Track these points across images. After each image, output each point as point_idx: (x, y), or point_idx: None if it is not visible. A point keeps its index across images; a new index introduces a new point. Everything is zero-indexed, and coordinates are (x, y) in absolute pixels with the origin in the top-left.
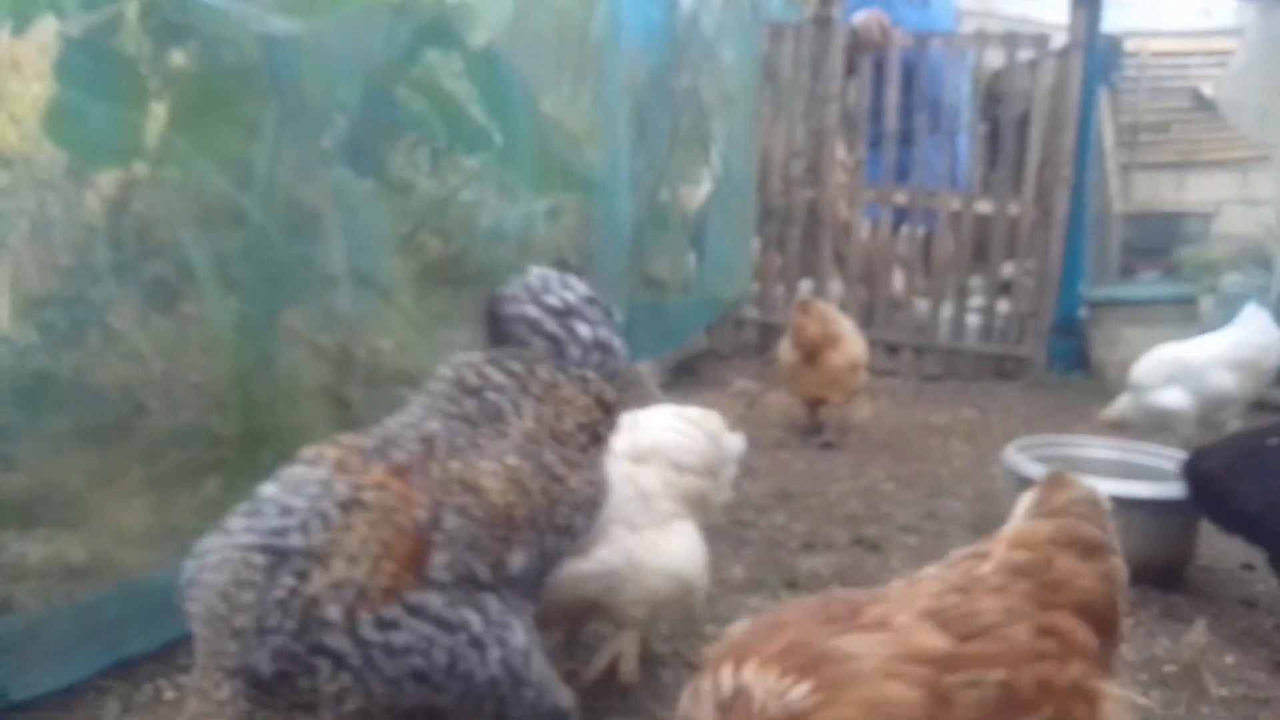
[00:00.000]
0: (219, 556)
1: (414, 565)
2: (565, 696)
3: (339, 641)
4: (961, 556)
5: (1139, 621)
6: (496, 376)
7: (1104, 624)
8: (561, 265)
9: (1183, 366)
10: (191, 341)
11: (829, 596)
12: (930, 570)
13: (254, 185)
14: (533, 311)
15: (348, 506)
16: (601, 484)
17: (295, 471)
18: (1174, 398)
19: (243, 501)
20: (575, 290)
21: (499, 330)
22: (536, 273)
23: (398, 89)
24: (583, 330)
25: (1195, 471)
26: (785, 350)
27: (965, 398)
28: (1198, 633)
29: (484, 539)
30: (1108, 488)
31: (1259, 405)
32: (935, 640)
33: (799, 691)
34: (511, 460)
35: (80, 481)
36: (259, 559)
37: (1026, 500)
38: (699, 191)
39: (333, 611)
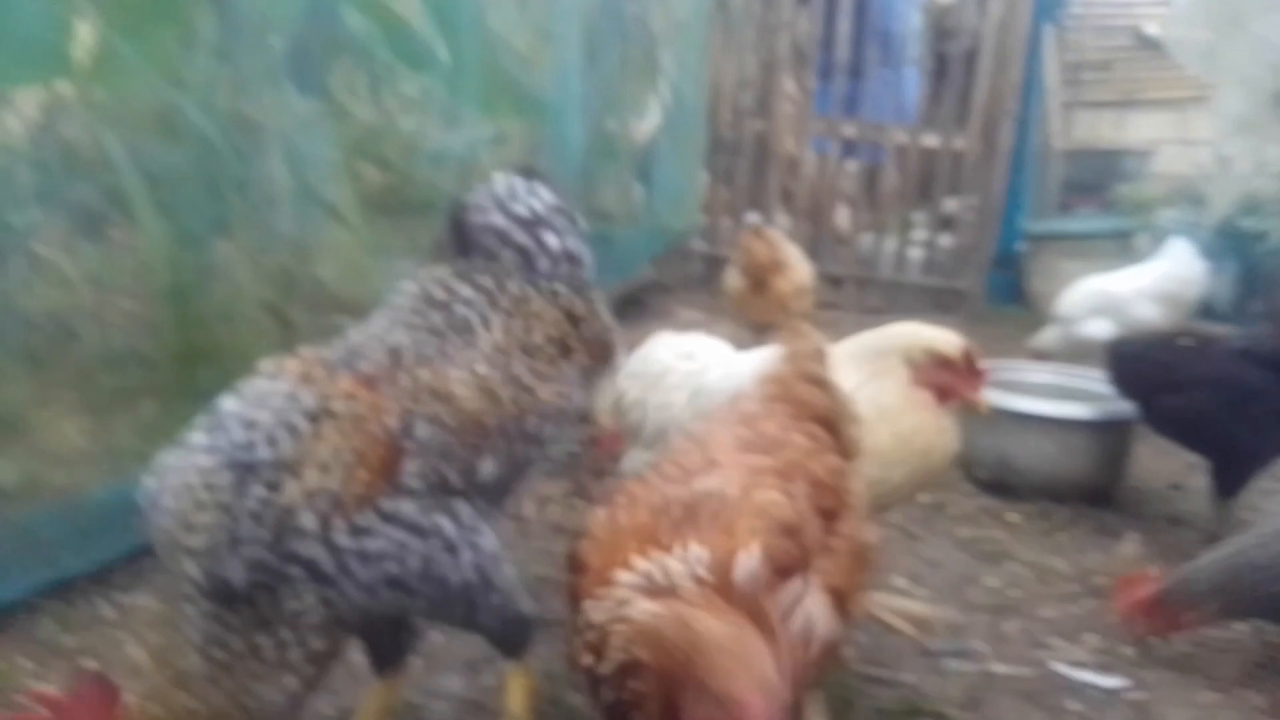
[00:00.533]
0: (180, 480)
1: (387, 472)
2: (528, 604)
3: (313, 549)
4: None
5: (1072, 537)
6: (465, 291)
7: (834, 427)
8: (527, 172)
9: (1108, 298)
10: (122, 267)
11: (652, 470)
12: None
13: (193, 99)
14: (500, 221)
15: (316, 417)
16: (571, 396)
17: (256, 385)
18: (1099, 328)
19: (199, 416)
20: (543, 198)
21: (465, 240)
22: (502, 180)
23: (341, 3)
24: (551, 241)
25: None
26: (733, 277)
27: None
28: (1128, 546)
29: (456, 446)
30: (1044, 409)
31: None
32: (758, 460)
33: (696, 554)
34: (481, 369)
35: (12, 404)
36: (224, 477)
37: (772, 353)
38: (647, 121)
39: (308, 520)
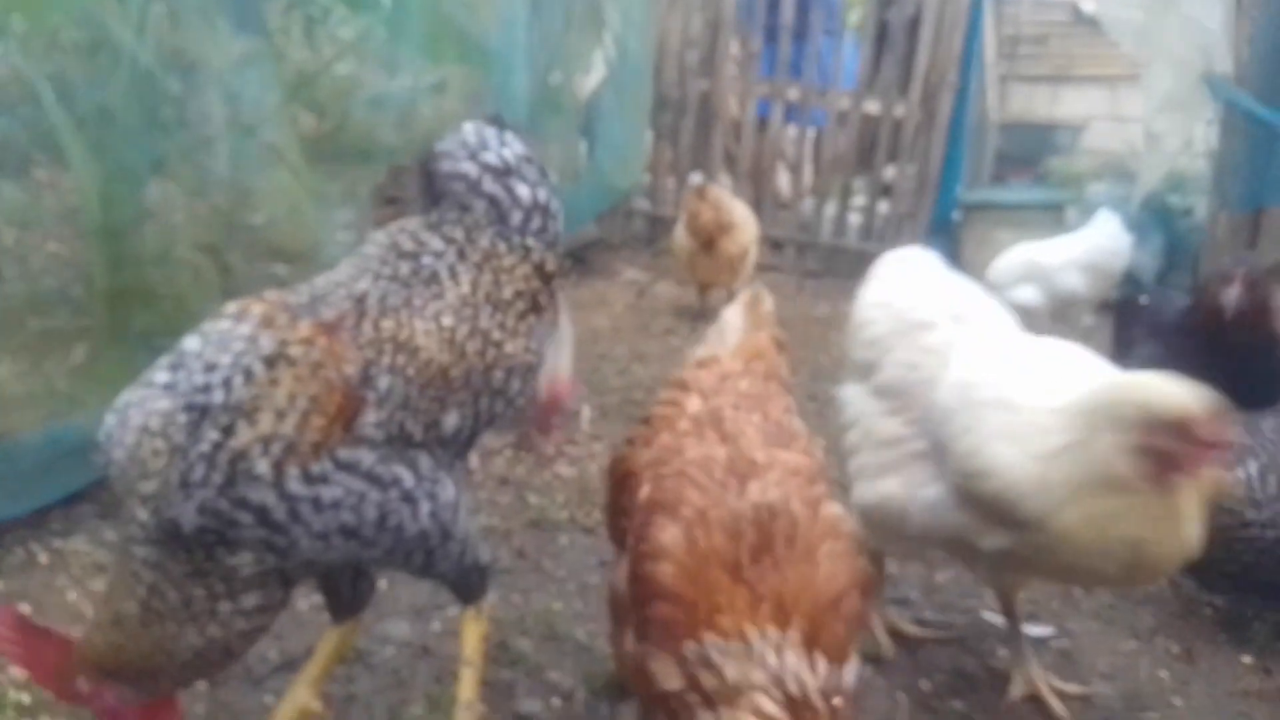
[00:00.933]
0: (138, 420)
1: (345, 421)
2: (485, 552)
3: (265, 495)
4: (697, 363)
5: None
6: (434, 242)
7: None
8: (496, 121)
9: (1036, 267)
10: (49, 207)
11: (691, 470)
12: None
13: (124, 32)
14: (471, 169)
15: (273, 361)
16: (539, 352)
17: (219, 327)
18: (1028, 295)
19: (161, 356)
20: (513, 148)
21: (435, 188)
22: (472, 128)
23: None
24: (523, 191)
25: None
26: (680, 237)
27: (845, 293)
28: None
29: (418, 399)
30: None
31: (1107, 306)
32: (790, 458)
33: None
34: (447, 321)
35: None
36: (180, 419)
37: (736, 316)
38: (592, 77)
39: (260, 466)
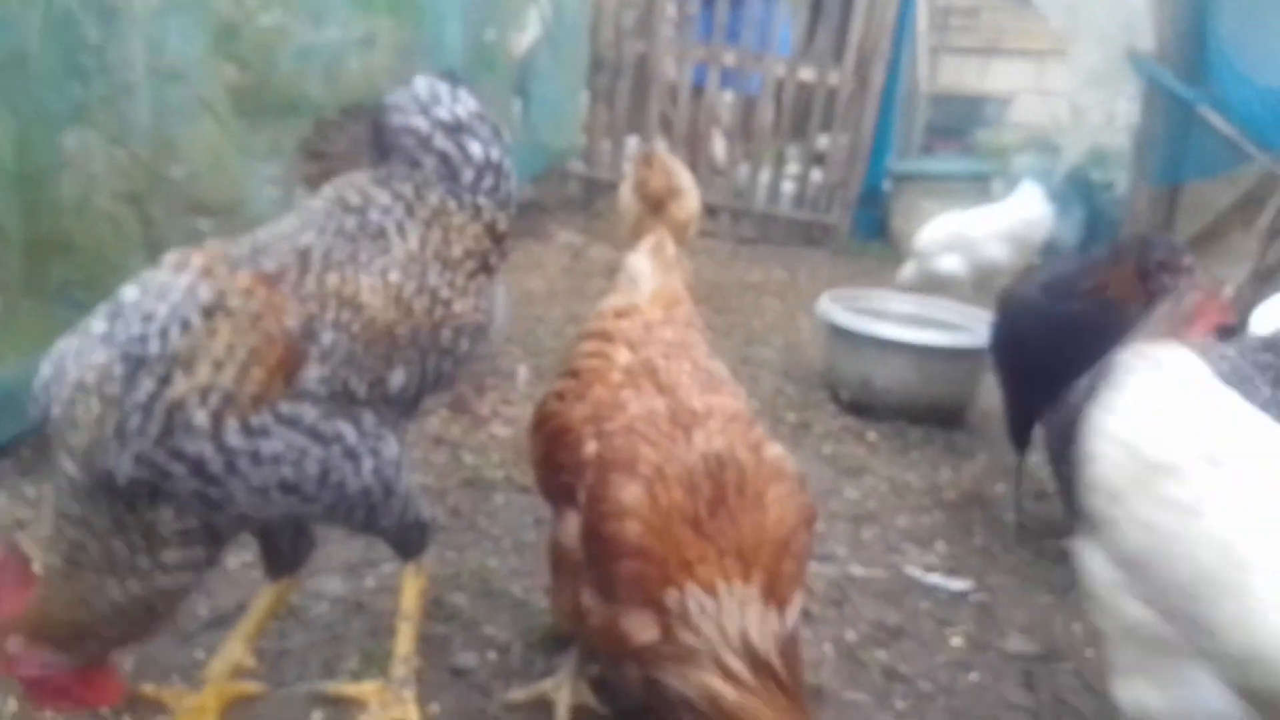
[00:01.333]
0: (74, 371)
1: (285, 374)
2: (426, 509)
3: (202, 447)
4: (615, 313)
5: (926, 454)
6: (382, 197)
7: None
8: (449, 76)
9: (961, 236)
10: None
11: (638, 424)
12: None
13: None
14: (422, 124)
15: (211, 312)
16: (489, 311)
17: (158, 276)
18: (951, 263)
19: (101, 305)
20: (466, 104)
21: (384, 142)
22: (423, 82)
23: None
24: (475, 149)
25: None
26: (628, 200)
27: (777, 259)
28: (976, 465)
29: (363, 356)
30: (906, 336)
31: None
32: (724, 402)
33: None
34: (394, 278)
35: None
36: (116, 370)
37: (644, 262)
38: (527, 35)
39: (199, 416)
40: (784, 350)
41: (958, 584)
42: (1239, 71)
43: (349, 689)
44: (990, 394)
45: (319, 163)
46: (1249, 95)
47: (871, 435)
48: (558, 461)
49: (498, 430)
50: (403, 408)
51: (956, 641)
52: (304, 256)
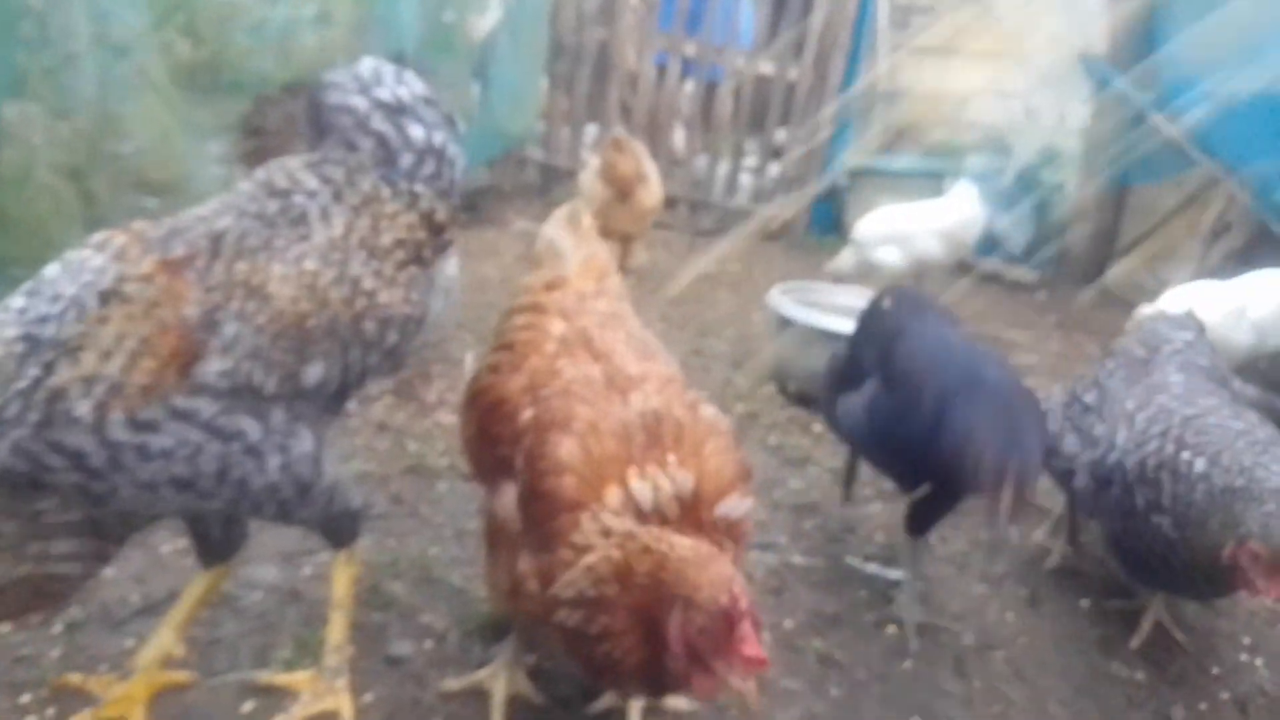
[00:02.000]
0: None
1: (179, 366)
2: (356, 498)
3: (82, 440)
4: (545, 285)
5: None
6: (309, 181)
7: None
8: (398, 58)
9: (898, 229)
10: None
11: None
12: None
13: None
14: (360, 104)
15: (107, 297)
16: (422, 303)
17: (80, 255)
18: (888, 254)
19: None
20: (411, 87)
21: (321, 122)
22: (370, 62)
23: None
24: (415, 132)
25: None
26: (593, 187)
27: (733, 253)
28: None
29: (270, 349)
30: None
31: (961, 268)
32: (660, 369)
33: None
34: (310, 266)
35: None
36: (17, 349)
37: (561, 234)
38: (487, 19)
39: (80, 407)
40: (735, 343)
41: (895, 573)
42: (1186, 77)
43: (281, 678)
44: None
45: (256, 140)
46: (1195, 101)
47: (817, 426)
48: (494, 434)
49: (443, 418)
50: (324, 403)
51: (892, 630)
52: (216, 241)
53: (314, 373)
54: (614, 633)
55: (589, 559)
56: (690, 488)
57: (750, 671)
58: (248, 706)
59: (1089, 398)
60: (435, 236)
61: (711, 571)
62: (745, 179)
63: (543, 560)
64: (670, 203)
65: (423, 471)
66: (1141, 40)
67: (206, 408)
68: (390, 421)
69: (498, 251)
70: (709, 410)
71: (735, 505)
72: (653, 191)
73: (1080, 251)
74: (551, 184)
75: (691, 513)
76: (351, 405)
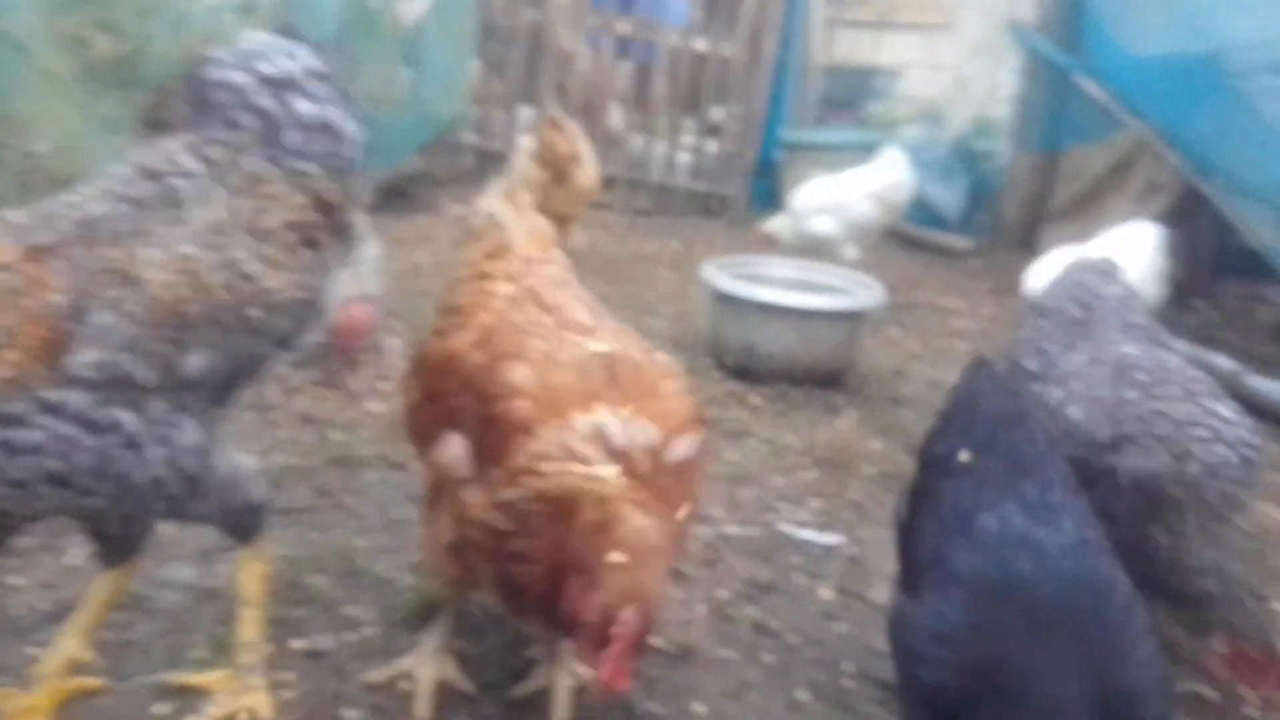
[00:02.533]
0: None
1: (46, 356)
2: (258, 491)
3: None
4: (487, 255)
5: (805, 415)
6: (187, 162)
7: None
8: (287, 30)
9: (831, 197)
10: None
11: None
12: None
13: None
14: (241, 79)
15: None
16: (317, 288)
17: None
18: (824, 224)
19: None
20: (300, 60)
21: (201, 100)
22: (254, 36)
23: None
24: (303, 107)
25: None
26: (528, 169)
27: (673, 231)
28: (845, 421)
29: (146, 338)
30: (786, 300)
31: (890, 232)
32: (612, 324)
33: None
34: (187, 251)
35: None
36: None
37: (501, 207)
38: (416, 3)
39: None
40: (675, 320)
41: (829, 538)
42: (1112, 41)
43: (194, 678)
44: (870, 356)
45: (159, 132)
46: (1122, 64)
47: (754, 399)
48: (443, 389)
49: (373, 406)
50: (212, 393)
51: (826, 594)
52: (87, 227)
53: (196, 362)
54: (529, 559)
55: (550, 467)
56: (658, 444)
57: (608, 685)
58: (161, 709)
59: (1032, 364)
60: (329, 218)
61: (637, 579)
62: (683, 157)
63: (493, 477)
64: (608, 183)
65: (349, 462)
66: (1068, 7)
67: (78, 400)
68: (315, 413)
69: (431, 238)
70: (662, 356)
71: (685, 445)
72: (590, 172)
73: (1013, 218)
74: (486, 168)
75: (657, 467)
76: (273, 397)
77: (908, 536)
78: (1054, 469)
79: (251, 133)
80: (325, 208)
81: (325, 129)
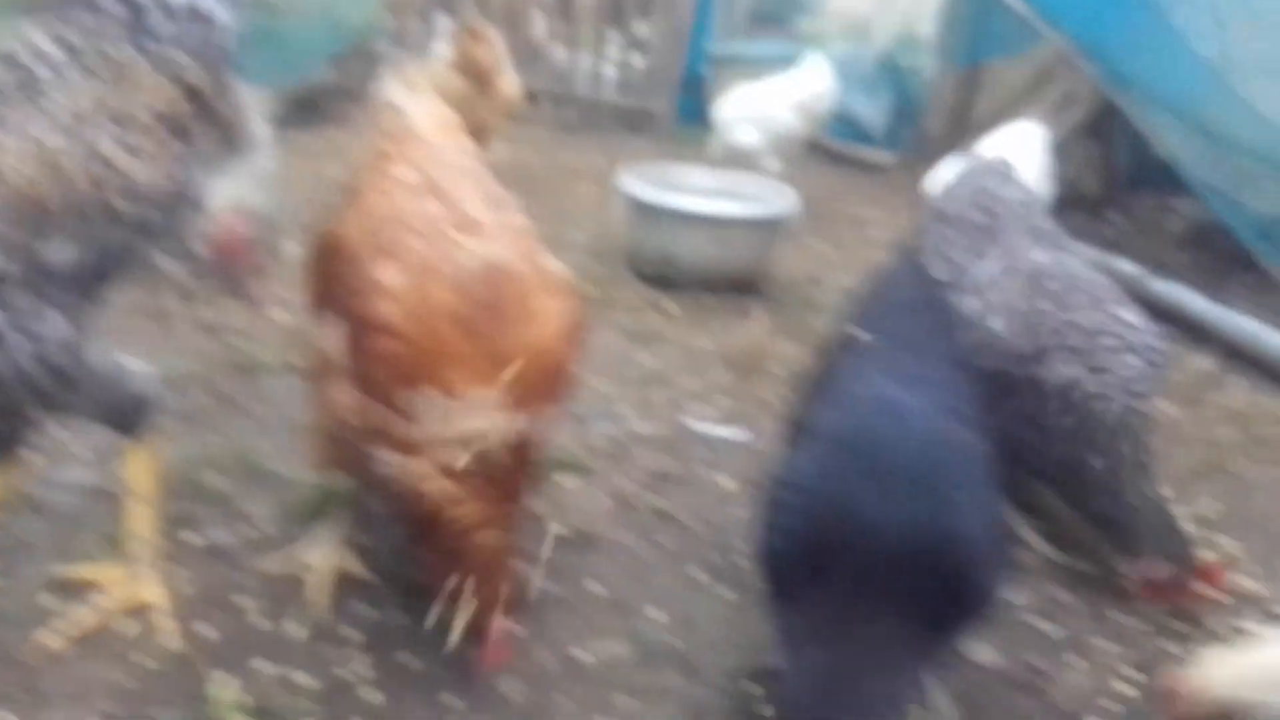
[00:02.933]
0: None
1: None
2: (141, 385)
3: None
4: (390, 138)
5: (720, 320)
6: (48, 48)
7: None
8: None
9: (753, 108)
10: None
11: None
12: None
13: None
14: None
15: None
16: (187, 180)
17: None
18: (747, 135)
19: None
20: None
21: None
22: None
23: None
24: None
25: None
26: (449, 79)
27: (598, 146)
28: (755, 324)
29: (5, 228)
30: (702, 207)
31: (814, 147)
32: (510, 219)
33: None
34: (45, 138)
35: None
36: None
37: (404, 97)
38: None
39: None
40: (595, 232)
41: (734, 433)
42: None
43: (84, 571)
44: (786, 262)
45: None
46: None
47: (670, 306)
48: (329, 273)
49: (276, 314)
50: (80, 286)
51: (726, 484)
52: None
53: (60, 253)
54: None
55: (420, 468)
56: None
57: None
58: (48, 601)
59: (940, 273)
60: (200, 108)
61: (486, 591)
62: (609, 71)
63: (363, 397)
64: (532, 97)
65: (251, 368)
66: None
67: None
68: (219, 321)
69: (343, 151)
70: (549, 264)
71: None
72: (512, 80)
73: (936, 132)
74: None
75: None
76: (173, 306)
77: (794, 410)
78: (943, 353)
79: (115, 18)
80: (195, 97)
81: (195, 15)
